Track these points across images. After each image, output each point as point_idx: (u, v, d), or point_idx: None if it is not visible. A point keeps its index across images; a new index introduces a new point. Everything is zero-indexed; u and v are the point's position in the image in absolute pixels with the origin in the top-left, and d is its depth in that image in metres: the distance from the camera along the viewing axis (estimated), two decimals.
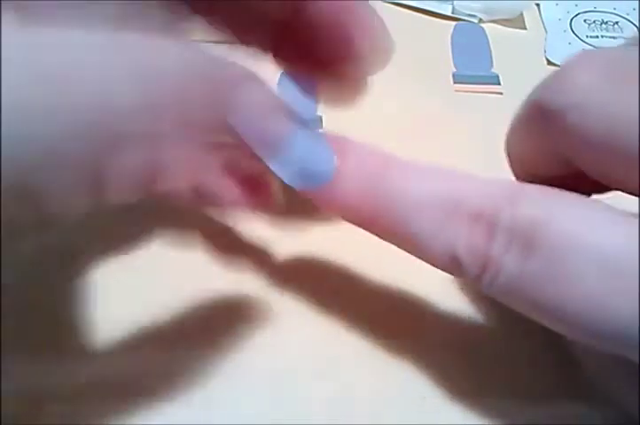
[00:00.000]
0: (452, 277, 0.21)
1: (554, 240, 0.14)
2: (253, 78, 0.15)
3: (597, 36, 0.34)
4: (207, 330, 0.21)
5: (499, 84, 0.31)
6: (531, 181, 0.18)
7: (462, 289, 0.22)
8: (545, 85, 0.16)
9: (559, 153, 0.16)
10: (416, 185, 0.16)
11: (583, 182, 0.16)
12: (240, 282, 0.22)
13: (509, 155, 0.19)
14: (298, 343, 0.21)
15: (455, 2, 0.35)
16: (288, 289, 0.22)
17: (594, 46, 0.34)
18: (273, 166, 0.16)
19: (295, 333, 0.21)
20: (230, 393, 0.19)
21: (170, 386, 0.19)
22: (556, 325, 0.15)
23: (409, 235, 0.16)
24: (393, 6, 0.35)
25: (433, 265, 0.16)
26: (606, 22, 0.35)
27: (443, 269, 0.16)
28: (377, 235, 0.17)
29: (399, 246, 0.17)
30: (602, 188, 0.17)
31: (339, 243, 0.22)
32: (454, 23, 0.35)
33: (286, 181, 0.17)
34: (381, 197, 0.16)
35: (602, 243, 0.14)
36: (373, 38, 0.18)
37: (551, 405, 0.19)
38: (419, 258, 0.16)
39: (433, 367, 0.20)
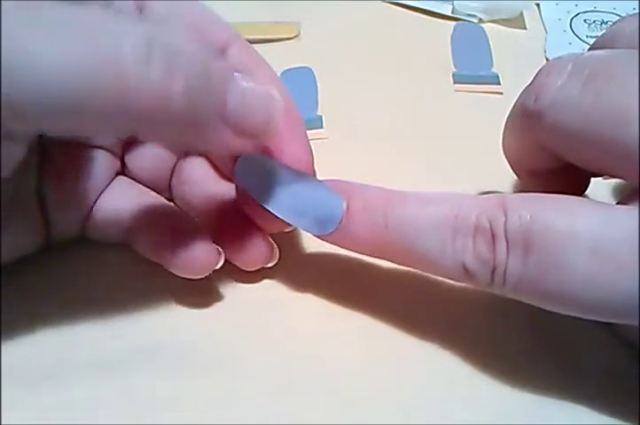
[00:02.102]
0: None
1: (543, 237, 0.16)
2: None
3: (597, 36, 0.34)
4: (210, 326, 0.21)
5: (499, 84, 0.31)
6: (528, 177, 0.21)
7: None
8: (526, 89, 0.19)
9: (545, 148, 0.18)
10: (417, 213, 0.18)
11: (574, 173, 0.19)
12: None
13: (505, 153, 0.21)
14: (302, 340, 0.21)
15: (455, 2, 0.35)
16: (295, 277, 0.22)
17: None
18: (289, 219, 0.19)
19: (299, 329, 0.21)
20: (230, 391, 0.19)
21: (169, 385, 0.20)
22: (564, 309, 0.17)
23: (419, 257, 0.18)
24: (393, 6, 0.35)
25: (447, 277, 0.18)
26: (606, 22, 0.35)
27: (457, 280, 0.18)
28: (390, 260, 0.19)
29: (412, 267, 0.19)
30: (589, 176, 0.20)
31: None
32: (454, 23, 0.35)
33: (303, 228, 0.19)
34: (389, 230, 0.18)
35: (581, 232, 0.16)
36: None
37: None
38: (433, 274, 0.19)
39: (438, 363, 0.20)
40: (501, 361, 0.20)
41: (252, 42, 0.22)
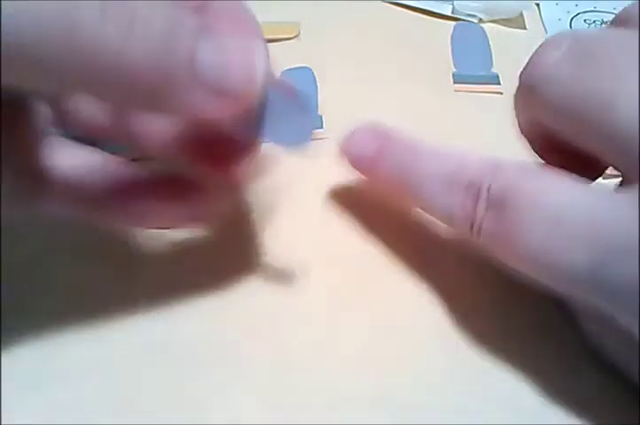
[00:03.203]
0: None
1: (516, 203, 0.17)
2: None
3: None
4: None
5: (499, 84, 0.31)
6: (542, 152, 0.21)
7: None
8: (526, 63, 0.19)
9: (539, 123, 0.19)
10: (428, 162, 0.21)
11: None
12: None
13: (519, 125, 0.21)
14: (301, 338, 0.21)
15: (455, 2, 0.35)
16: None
17: None
18: (267, 137, 0.18)
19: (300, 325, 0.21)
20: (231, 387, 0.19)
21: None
22: (524, 269, 0.18)
23: (421, 199, 0.21)
24: (393, 6, 0.35)
25: (438, 220, 0.21)
26: (606, 22, 0.35)
27: (445, 223, 0.21)
28: (403, 199, 0.23)
29: (416, 206, 0.22)
30: None
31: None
32: (454, 23, 0.35)
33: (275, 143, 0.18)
34: (405, 171, 0.21)
35: (550, 202, 0.17)
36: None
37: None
38: (430, 215, 0.21)
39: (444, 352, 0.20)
40: (501, 356, 0.20)
41: None
